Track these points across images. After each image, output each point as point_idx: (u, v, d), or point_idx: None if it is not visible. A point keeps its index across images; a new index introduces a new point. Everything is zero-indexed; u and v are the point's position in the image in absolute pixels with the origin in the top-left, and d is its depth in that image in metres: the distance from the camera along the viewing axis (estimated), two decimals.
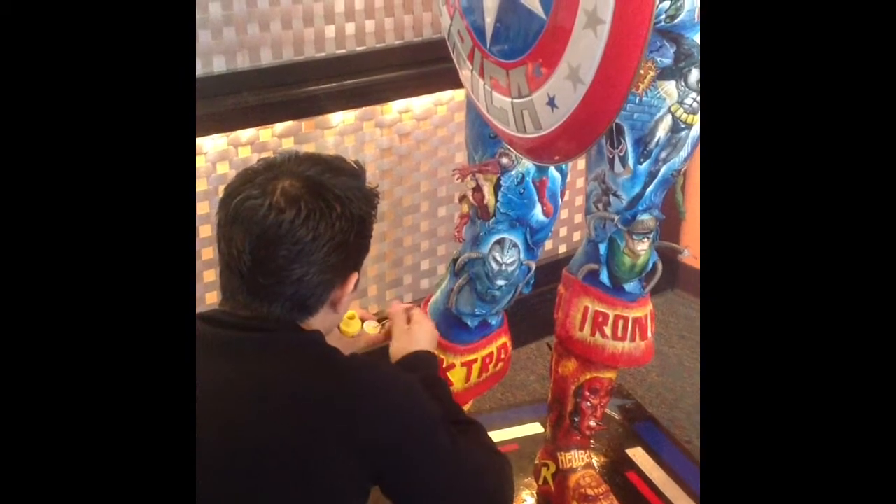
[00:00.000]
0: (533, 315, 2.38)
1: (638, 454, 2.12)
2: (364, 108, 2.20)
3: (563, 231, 2.71)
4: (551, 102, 1.24)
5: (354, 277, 1.18)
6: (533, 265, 1.63)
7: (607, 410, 2.17)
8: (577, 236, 2.73)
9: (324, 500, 1.10)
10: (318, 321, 1.18)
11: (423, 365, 1.36)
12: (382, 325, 1.46)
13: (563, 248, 2.71)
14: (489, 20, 1.34)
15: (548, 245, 2.67)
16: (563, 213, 2.68)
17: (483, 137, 1.54)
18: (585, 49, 1.15)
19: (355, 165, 1.21)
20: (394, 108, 2.25)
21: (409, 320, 1.43)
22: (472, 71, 1.44)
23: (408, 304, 1.49)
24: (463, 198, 1.60)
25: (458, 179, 1.58)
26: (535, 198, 1.57)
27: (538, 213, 1.58)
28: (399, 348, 1.40)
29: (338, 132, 2.18)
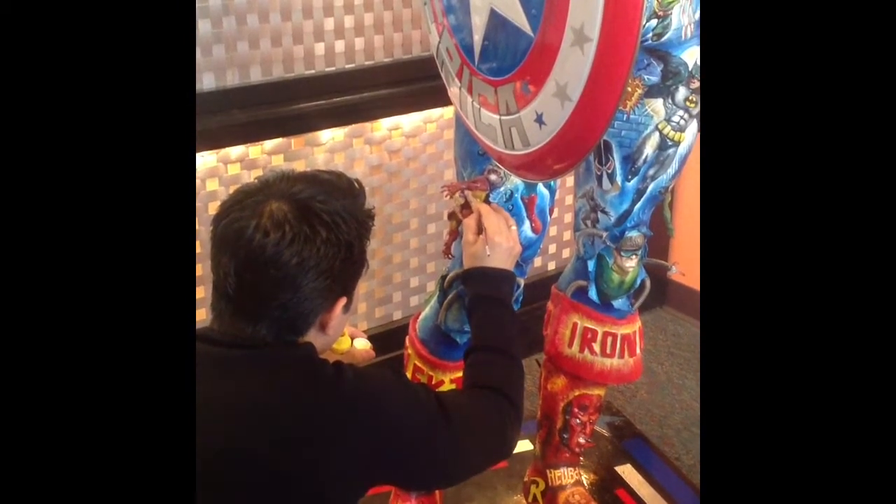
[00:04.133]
0: (523, 332, 2.37)
1: (627, 471, 2.11)
2: (353, 126, 2.21)
3: (551, 248, 2.72)
4: (539, 119, 1.25)
5: (342, 302, 1.16)
6: (521, 282, 1.63)
7: (596, 427, 2.16)
8: (565, 253, 2.73)
9: None
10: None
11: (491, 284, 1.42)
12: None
13: (552, 266, 2.72)
14: (477, 38, 1.35)
15: (536, 262, 2.68)
16: (552, 231, 2.68)
17: (472, 154, 1.54)
18: (573, 66, 1.16)
19: (355, 185, 1.20)
20: (383, 126, 2.26)
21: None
22: (460, 88, 1.45)
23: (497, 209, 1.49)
24: (452, 214, 1.60)
25: (446, 196, 1.58)
26: (524, 214, 1.57)
27: (527, 229, 1.58)
28: (477, 254, 1.43)
29: (327, 149, 2.18)
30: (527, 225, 1.58)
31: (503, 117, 1.33)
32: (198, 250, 1.95)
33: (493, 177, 1.53)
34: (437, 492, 1.91)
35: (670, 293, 2.86)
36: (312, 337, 1.16)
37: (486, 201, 1.53)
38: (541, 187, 1.58)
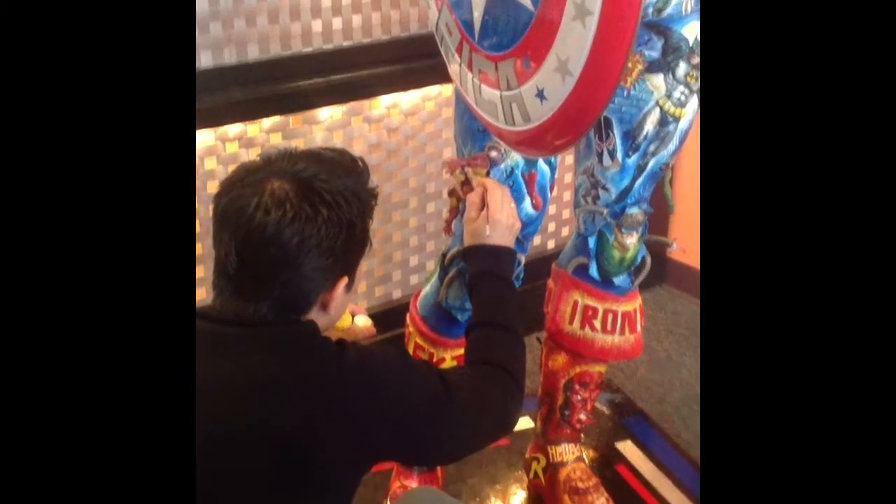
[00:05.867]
0: (524, 310, 2.37)
1: (627, 447, 2.13)
2: (352, 104, 2.19)
3: (551, 226, 2.71)
4: (540, 95, 1.24)
5: (344, 281, 1.16)
6: (522, 259, 1.63)
7: (597, 405, 2.17)
8: (565, 231, 2.73)
9: (320, 487, 1.10)
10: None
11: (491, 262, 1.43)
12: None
13: (551, 244, 2.71)
14: (477, 14, 1.34)
15: (536, 240, 2.68)
16: (552, 209, 2.68)
17: (472, 131, 1.54)
18: (574, 41, 1.15)
19: (358, 163, 1.19)
20: (381, 104, 2.25)
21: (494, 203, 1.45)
22: (460, 64, 1.44)
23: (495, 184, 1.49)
24: (452, 192, 1.60)
25: (447, 173, 1.58)
26: (525, 191, 1.57)
27: (527, 206, 1.58)
28: (478, 231, 1.43)
29: (325, 127, 2.17)
30: (527, 202, 1.58)
31: (504, 93, 1.33)
32: (196, 229, 1.94)
33: (493, 153, 1.52)
34: (438, 468, 1.92)
35: (670, 271, 2.86)
36: (314, 316, 1.16)
37: (487, 177, 1.52)
38: (541, 164, 1.58)
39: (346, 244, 1.12)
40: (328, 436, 1.08)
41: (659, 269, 2.84)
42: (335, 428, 1.09)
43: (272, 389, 1.09)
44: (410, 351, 1.79)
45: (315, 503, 1.11)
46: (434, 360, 1.74)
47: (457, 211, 1.60)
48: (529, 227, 1.61)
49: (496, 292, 1.41)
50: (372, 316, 1.53)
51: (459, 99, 1.55)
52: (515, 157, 1.53)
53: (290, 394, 1.09)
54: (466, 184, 1.53)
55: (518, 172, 1.55)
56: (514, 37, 1.27)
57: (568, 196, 2.63)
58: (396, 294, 2.46)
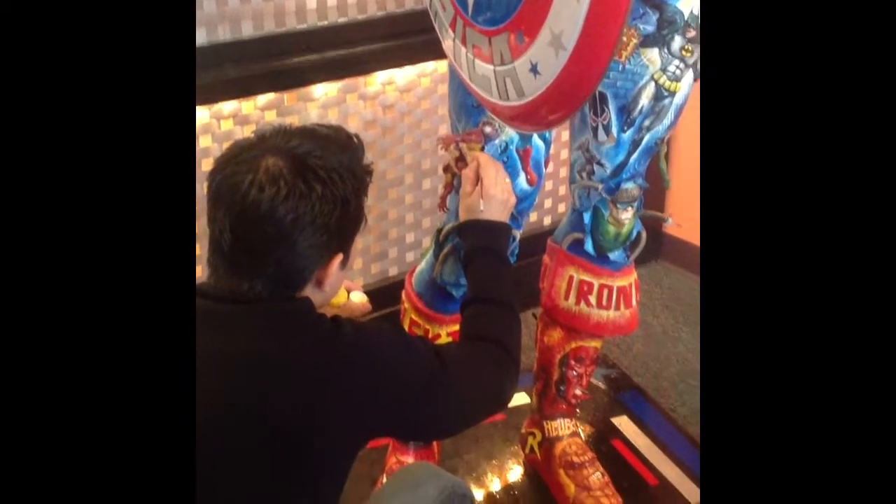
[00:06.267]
0: (519, 286, 2.38)
1: (623, 422, 2.14)
2: (347, 81, 2.19)
3: (547, 202, 2.71)
4: (534, 69, 1.24)
5: (339, 258, 1.16)
6: (517, 234, 1.63)
7: (593, 380, 2.18)
8: (561, 208, 2.73)
9: (316, 463, 1.11)
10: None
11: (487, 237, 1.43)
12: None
13: (548, 220, 2.71)
14: None
15: (533, 216, 2.68)
16: (548, 185, 2.68)
17: (466, 107, 1.53)
18: (567, 15, 1.15)
19: (353, 140, 1.19)
20: (377, 80, 2.24)
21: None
22: (454, 39, 1.43)
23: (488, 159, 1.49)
24: (447, 168, 1.60)
25: (441, 149, 1.58)
26: (519, 167, 1.56)
27: (522, 181, 1.58)
28: (472, 206, 1.44)
29: (321, 104, 2.17)
30: (522, 177, 1.57)
31: (497, 68, 1.32)
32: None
33: (487, 129, 1.52)
34: (434, 444, 1.93)
35: (666, 246, 2.86)
36: (309, 292, 1.16)
37: (482, 152, 1.52)
38: (536, 139, 1.57)
39: (341, 221, 1.12)
40: (323, 412, 1.09)
41: (655, 245, 2.84)
42: (330, 404, 1.10)
43: (266, 366, 1.09)
44: (406, 327, 1.79)
45: (310, 478, 1.11)
46: (430, 336, 1.74)
47: (451, 187, 1.60)
48: (524, 202, 1.61)
49: (491, 268, 1.41)
50: (368, 293, 1.54)
51: (454, 75, 1.54)
52: (510, 133, 1.53)
53: (284, 370, 1.09)
54: (461, 159, 1.53)
55: (513, 148, 1.55)
56: (507, 11, 1.26)
57: (564, 172, 2.63)
58: (393, 271, 2.47)
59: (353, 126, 2.22)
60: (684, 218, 2.70)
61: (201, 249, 1.23)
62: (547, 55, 1.20)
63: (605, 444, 2.06)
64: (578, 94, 1.24)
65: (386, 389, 1.14)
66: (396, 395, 1.15)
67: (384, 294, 2.16)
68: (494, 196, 1.42)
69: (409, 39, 2.20)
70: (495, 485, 1.97)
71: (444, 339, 1.73)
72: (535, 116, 1.32)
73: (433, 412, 1.21)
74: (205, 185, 1.14)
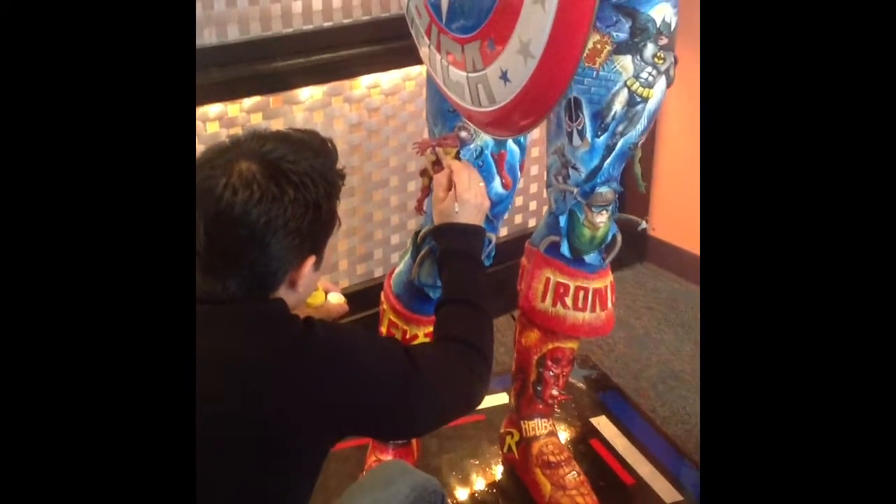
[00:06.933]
0: (503, 289, 2.41)
1: (602, 422, 2.16)
2: (332, 84, 2.21)
3: (532, 205, 2.74)
4: (504, 76, 1.27)
5: (311, 260, 1.18)
6: (493, 237, 1.66)
7: (573, 381, 2.21)
8: (545, 211, 2.75)
9: (287, 463, 1.13)
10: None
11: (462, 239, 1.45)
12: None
13: (532, 223, 2.74)
14: None
15: (517, 219, 2.71)
16: (533, 188, 2.71)
17: (442, 111, 1.56)
18: (535, 24, 1.18)
19: (327, 144, 1.21)
20: (362, 84, 2.27)
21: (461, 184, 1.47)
22: (429, 46, 1.46)
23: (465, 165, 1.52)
24: (424, 171, 1.63)
25: (417, 153, 1.60)
26: (494, 171, 1.59)
27: (497, 185, 1.60)
28: (446, 211, 1.46)
29: (306, 108, 2.19)
30: (497, 181, 1.60)
31: (470, 74, 1.35)
32: None
33: (463, 133, 1.55)
34: (413, 442, 1.95)
35: (650, 249, 2.89)
36: (283, 293, 1.18)
37: (457, 158, 1.55)
38: (511, 144, 1.60)
39: (313, 224, 1.15)
40: (294, 412, 1.11)
41: (639, 247, 2.87)
42: (301, 404, 1.11)
43: (239, 366, 1.11)
44: (384, 328, 1.81)
45: (281, 477, 1.13)
46: (407, 336, 1.77)
47: (428, 190, 1.62)
48: (499, 205, 1.64)
49: (464, 270, 1.44)
50: (354, 294, 1.56)
51: (430, 80, 1.57)
52: (485, 138, 1.56)
53: (256, 370, 1.11)
54: (437, 163, 1.56)
55: (487, 152, 1.57)
56: (478, 19, 1.29)
57: None
58: (378, 272, 2.49)
59: (338, 129, 2.25)
60: (666, 221, 2.73)
61: None
62: (516, 62, 1.23)
63: (584, 444, 2.09)
64: (547, 100, 1.28)
65: (356, 389, 1.16)
66: (366, 395, 1.17)
67: (369, 295, 2.18)
68: (468, 200, 1.44)
69: (393, 44, 2.22)
70: (476, 483, 1.99)
71: (421, 340, 1.76)
72: (507, 122, 1.36)
73: (403, 411, 1.24)
74: None
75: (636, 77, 1.51)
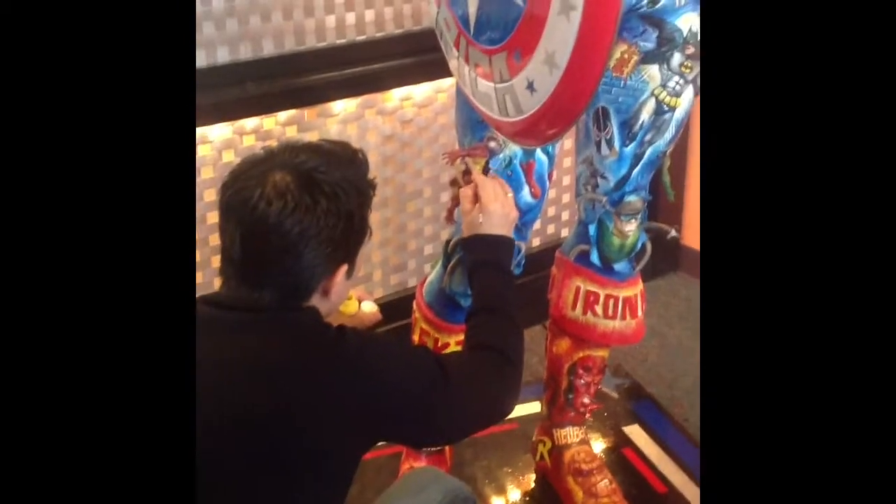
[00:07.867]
0: (536, 298, 2.42)
1: (635, 431, 2.16)
2: (365, 97, 2.24)
3: (564, 215, 2.75)
4: (530, 87, 1.29)
5: (344, 269, 1.20)
6: (522, 246, 1.68)
7: (606, 390, 2.22)
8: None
9: (318, 470, 1.15)
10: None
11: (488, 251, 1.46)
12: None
13: (564, 232, 2.75)
14: (472, 10, 1.39)
15: (550, 229, 2.72)
16: (565, 198, 2.72)
17: (471, 122, 1.59)
18: (560, 34, 1.20)
19: (358, 155, 1.23)
20: (395, 96, 2.30)
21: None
22: (458, 58, 1.49)
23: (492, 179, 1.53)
24: (454, 181, 1.65)
25: (447, 163, 1.63)
26: (523, 180, 1.61)
27: (526, 194, 1.62)
28: (473, 223, 1.47)
29: (340, 120, 2.23)
30: (526, 190, 1.62)
31: (497, 85, 1.37)
32: (216, 220, 2.01)
33: (492, 144, 1.57)
34: (447, 450, 1.97)
35: (683, 258, 2.88)
36: (316, 302, 1.20)
37: (486, 168, 1.57)
38: (539, 153, 1.62)
39: (345, 234, 1.17)
40: (325, 419, 1.13)
41: (673, 257, 2.86)
42: (332, 411, 1.13)
43: (269, 373, 1.13)
44: (416, 336, 1.84)
45: (312, 485, 1.15)
46: (439, 345, 1.79)
47: (457, 200, 1.64)
48: (528, 214, 1.66)
49: (492, 280, 1.45)
50: (388, 304, 1.58)
51: (459, 91, 1.59)
52: (514, 148, 1.58)
53: (286, 377, 1.13)
54: (467, 173, 1.58)
55: (516, 162, 1.59)
56: (505, 31, 1.32)
57: None
58: (412, 282, 2.51)
59: (371, 141, 2.28)
60: (699, 231, 2.72)
61: (201, 257, 1.28)
62: (542, 73, 1.25)
63: (616, 453, 2.10)
64: (573, 109, 1.29)
65: (386, 398, 1.17)
66: (398, 403, 1.19)
67: (403, 305, 2.19)
68: (494, 211, 1.45)
69: (425, 56, 2.23)
70: (510, 491, 2.01)
71: (452, 348, 1.78)
72: (534, 131, 1.37)
73: (434, 419, 1.25)
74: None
75: (663, 86, 1.52)
